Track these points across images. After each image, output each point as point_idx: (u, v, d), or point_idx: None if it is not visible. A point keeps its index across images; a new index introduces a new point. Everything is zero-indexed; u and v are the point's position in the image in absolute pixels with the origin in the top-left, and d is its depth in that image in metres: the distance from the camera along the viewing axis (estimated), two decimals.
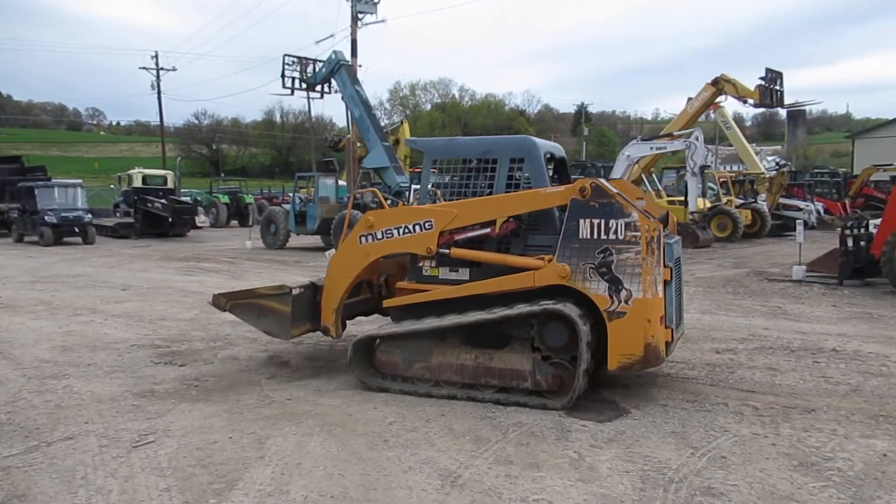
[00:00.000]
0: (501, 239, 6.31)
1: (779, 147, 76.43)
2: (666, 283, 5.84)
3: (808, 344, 8.33)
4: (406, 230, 6.39)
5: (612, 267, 5.67)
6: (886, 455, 4.87)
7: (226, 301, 7.04)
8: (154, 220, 26.64)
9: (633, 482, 4.44)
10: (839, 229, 14.47)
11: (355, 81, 22.98)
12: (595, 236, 5.74)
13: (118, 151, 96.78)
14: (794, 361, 7.52)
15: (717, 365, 7.37)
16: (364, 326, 7.81)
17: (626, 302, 5.63)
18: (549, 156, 6.79)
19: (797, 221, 16.20)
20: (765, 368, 7.23)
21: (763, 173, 29.10)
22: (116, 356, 7.78)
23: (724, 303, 11.43)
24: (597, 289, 5.72)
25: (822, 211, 29.91)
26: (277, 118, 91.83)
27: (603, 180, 5.94)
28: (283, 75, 23.36)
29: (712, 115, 31.12)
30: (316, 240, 23.28)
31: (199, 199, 36.46)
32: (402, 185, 21.29)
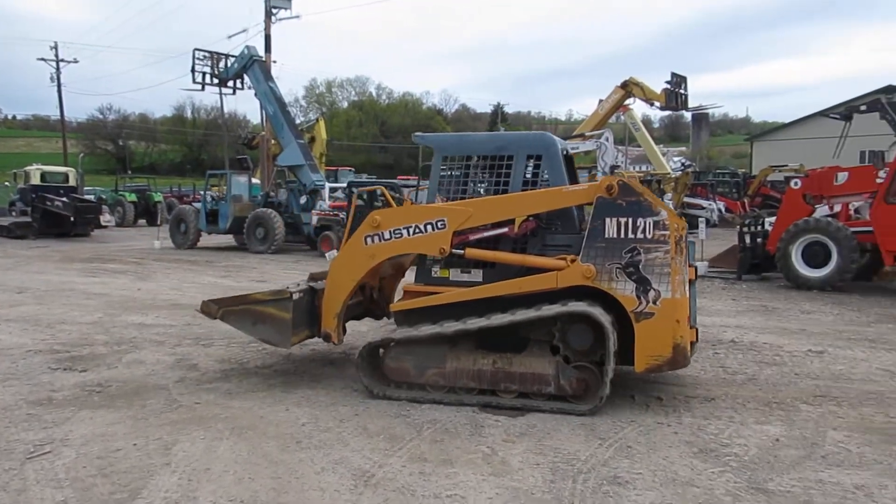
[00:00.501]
0: (517, 239, 6.13)
1: (684, 148, 79.68)
2: (690, 283, 5.86)
3: (709, 336, 8.72)
4: (417, 230, 6.08)
5: (640, 267, 5.53)
6: (779, 440, 5.16)
7: (217, 308, 6.54)
8: (54, 219, 25.32)
9: (544, 474, 4.54)
10: (738, 227, 15.24)
11: (269, 78, 22.55)
12: (622, 235, 5.59)
13: (14, 147, 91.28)
14: (696, 353, 7.86)
15: None
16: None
17: (655, 302, 5.49)
18: (564, 153, 6.57)
19: (700, 219, 16.97)
20: None
21: (669, 173, 30.29)
22: (10, 363, 7.34)
23: None
24: (623, 289, 5.56)
25: (723, 209, 31.45)
26: (188, 114, 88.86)
27: (629, 179, 5.82)
28: (193, 70, 22.73)
29: (622, 117, 32.15)
30: (228, 239, 22.72)
31: (103, 197, 34.94)
32: (318, 183, 21.05)
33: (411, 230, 6.11)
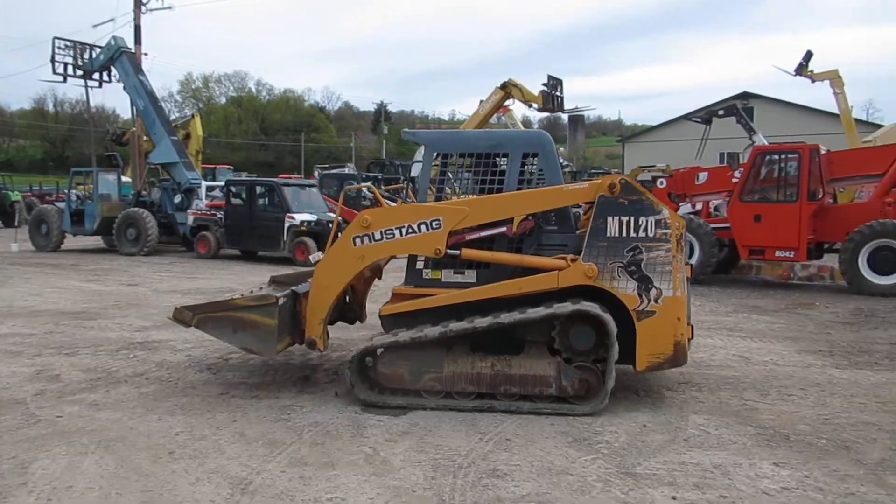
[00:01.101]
0: (512, 239, 6.03)
1: (562, 149, 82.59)
2: (688, 281, 5.92)
3: None
4: (410, 230, 5.87)
5: (642, 265, 5.55)
6: (646, 426, 5.45)
7: (192, 315, 6.11)
8: None
9: (425, 471, 4.58)
10: None
11: (139, 71, 21.45)
12: (624, 234, 5.59)
13: None
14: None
15: None
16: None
17: (656, 301, 5.53)
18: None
19: None
20: None
21: None
22: None
23: None
24: (625, 288, 5.57)
25: None
26: (50, 107, 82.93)
27: (631, 178, 5.80)
28: (53, 60, 21.23)
29: (503, 118, 32.92)
30: (96, 241, 21.42)
31: None
32: (193, 181, 20.26)
33: (404, 230, 5.89)
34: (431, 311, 5.95)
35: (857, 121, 27.50)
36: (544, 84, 24.80)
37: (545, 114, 31.31)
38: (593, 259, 5.64)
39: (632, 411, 5.80)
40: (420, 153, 24.34)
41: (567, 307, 5.58)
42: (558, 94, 25.36)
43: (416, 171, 23.91)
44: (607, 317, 5.53)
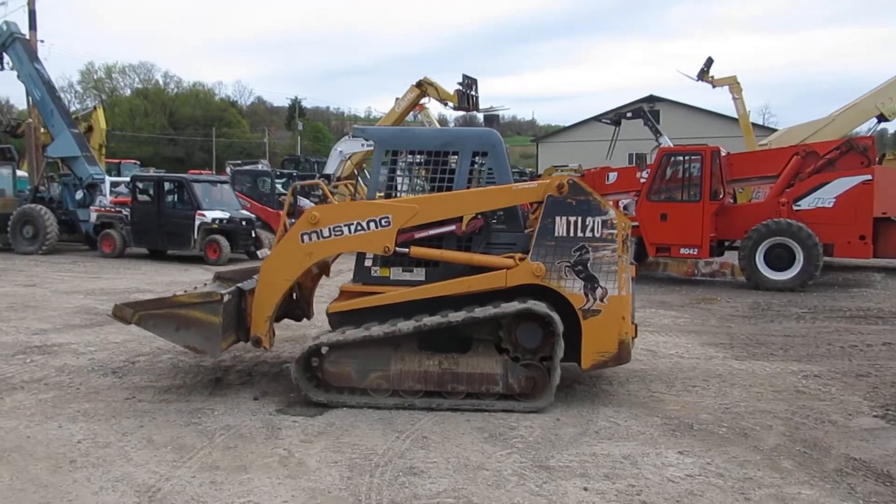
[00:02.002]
0: (461, 237, 6.00)
1: None
2: (633, 280, 5.98)
3: None
4: (359, 227, 5.83)
5: (589, 265, 5.62)
6: (559, 419, 5.59)
7: (132, 312, 5.87)
8: None
9: (342, 472, 4.55)
10: None
11: (34, 59, 20.30)
12: (571, 234, 5.65)
13: None
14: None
15: None
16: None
17: (602, 300, 5.60)
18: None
19: None
20: None
21: None
22: None
23: None
24: (572, 287, 5.63)
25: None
26: None
27: (579, 178, 5.87)
28: None
29: (419, 116, 32.95)
30: None
31: None
32: (96, 176, 19.35)
33: (353, 227, 5.86)
34: (380, 309, 5.94)
35: (755, 125, 29.05)
36: (459, 83, 24.95)
37: (461, 112, 31.49)
38: (541, 258, 5.71)
39: None
40: (335, 150, 24.16)
41: (514, 306, 5.63)
42: (473, 93, 25.56)
43: (330, 167, 23.64)
44: (554, 315, 5.61)
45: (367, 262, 6.20)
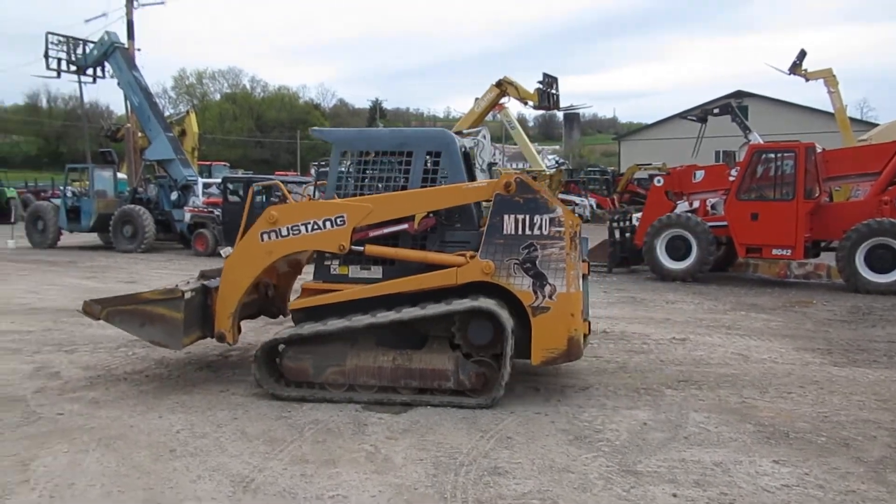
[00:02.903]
0: (416, 236, 6.14)
1: (558, 147, 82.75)
2: (584, 278, 6.02)
3: None
4: (315, 226, 6.02)
5: (537, 262, 5.67)
6: (647, 424, 5.46)
7: (101, 308, 6.20)
8: None
9: (427, 469, 4.59)
10: (608, 222, 16.01)
11: (133, 67, 21.38)
12: (520, 232, 5.71)
13: None
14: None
15: None
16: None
17: (551, 297, 5.64)
18: (463, 150, 6.58)
19: None
20: None
21: (544, 171, 31.34)
22: None
23: None
24: (521, 284, 5.69)
25: (594, 205, 32.92)
26: (44, 103, 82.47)
27: (525, 176, 5.92)
28: (46, 55, 21.14)
29: (498, 116, 32.91)
30: (92, 238, 21.36)
31: None
32: (190, 178, 20.21)
33: (310, 226, 6.03)
34: (339, 305, 6.05)
35: (852, 119, 27.58)
36: (540, 82, 24.80)
37: (541, 111, 31.27)
38: (490, 256, 5.75)
39: (632, 409, 5.81)
40: None
41: (464, 303, 5.69)
42: (554, 91, 25.36)
43: None
44: (503, 313, 5.64)
45: (328, 261, 6.31)
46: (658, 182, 15.15)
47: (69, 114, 77.01)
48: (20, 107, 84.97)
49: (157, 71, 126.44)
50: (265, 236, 6.15)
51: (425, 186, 6.24)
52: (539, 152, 36.28)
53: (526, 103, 25.26)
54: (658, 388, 6.40)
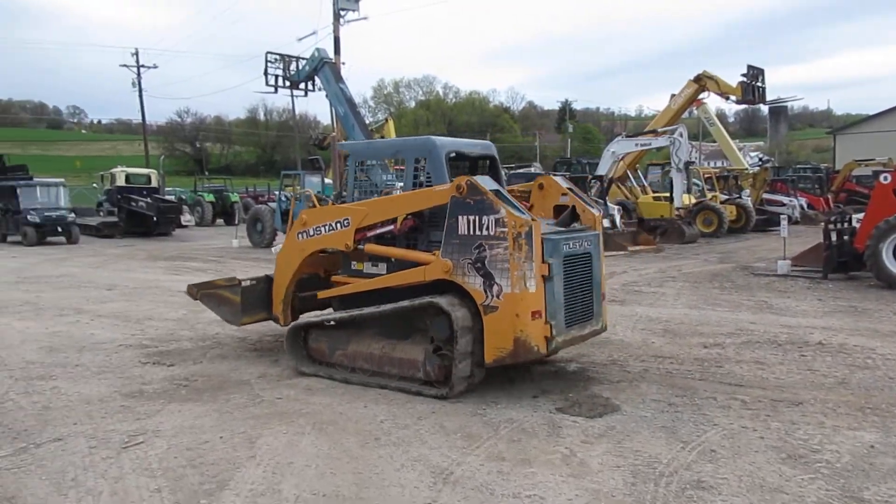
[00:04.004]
0: (409, 235, 6.56)
1: (761, 143, 77.06)
2: (546, 279, 5.89)
3: (795, 337, 8.41)
4: (331, 227, 6.81)
5: (486, 262, 5.82)
6: (874, 447, 4.92)
7: (196, 290, 7.72)
8: (138, 219, 26.45)
9: (625, 477, 4.47)
10: (823, 224, 14.62)
11: (339, 79, 22.89)
12: (471, 232, 5.89)
13: (100, 150, 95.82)
14: (780, 355, 7.59)
15: (705, 360, 7.42)
16: None
17: (498, 297, 5.76)
18: (453, 154, 6.93)
19: (781, 216, 16.35)
20: (752, 362, 7.30)
21: (747, 169, 29.35)
22: (104, 357, 7.72)
23: (710, 297, 11.52)
24: (474, 283, 5.89)
25: (805, 206, 30.22)
26: (261, 116, 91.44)
27: (478, 178, 6.06)
28: (266, 73, 23.22)
29: (695, 112, 31.32)
30: None
31: (183, 197, 36.22)
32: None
33: (327, 227, 6.84)
34: (354, 296, 6.79)
35: None
36: (744, 74, 23.26)
37: (743, 106, 29.28)
38: (448, 255, 5.99)
39: (856, 430, 5.27)
40: (607, 151, 23.89)
41: (422, 300, 6.07)
42: (759, 84, 23.67)
43: (602, 168, 23.43)
44: (453, 309, 5.85)
45: (351, 257, 6.97)
46: (885, 179, 13.56)
47: (282, 125, 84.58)
48: (241, 120, 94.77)
49: (358, 82, 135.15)
50: (300, 236, 7.06)
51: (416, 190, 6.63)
52: (740, 149, 33.99)
53: (728, 98, 23.81)
54: (888, 408, 5.74)
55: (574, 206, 6.87)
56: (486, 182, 5.97)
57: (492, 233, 5.79)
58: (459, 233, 5.94)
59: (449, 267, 5.99)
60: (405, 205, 6.46)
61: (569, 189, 7.11)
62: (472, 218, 5.88)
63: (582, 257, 6.32)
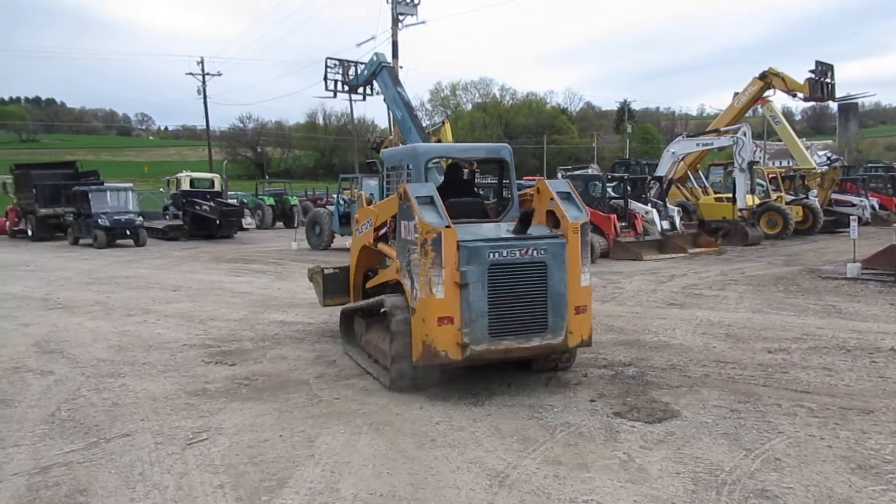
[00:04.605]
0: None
1: (830, 141, 74.48)
2: (462, 286, 5.81)
3: (865, 343, 8.09)
4: (364, 227, 7.58)
5: (409, 266, 6.15)
6: None
7: (310, 274, 9.26)
8: (202, 222, 27.17)
9: (685, 484, 4.38)
10: (895, 225, 14.02)
11: (397, 83, 23.07)
12: (405, 237, 6.23)
13: (166, 155, 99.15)
14: (850, 361, 7.31)
15: (769, 365, 7.20)
16: None
17: (415, 300, 6.04)
18: (439, 161, 7.29)
19: (851, 217, 15.75)
20: (819, 368, 7.05)
21: (814, 168, 28.35)
22: (169, 355, 7.97)
23: (775, 301, 11.17)
24: (407, 284, 6.22)
25: (876, 206, 29.02)
26: (320, 120, 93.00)
27: (413, 185, 6.24)
28: (325, 78, 23.58)
29: (759, 110, 30.46)
30: None
31: (245, 201, 37.06)
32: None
33: (364, 226, 7.58)
34: (381, 287, 7.31)
35: None
36: (811, 71, 22.54)
37: (810, 104, 28.37)
38: (398, 257, 6.43)
39: None
40: (667, 152, 23.45)
41: (377, 298, 6.83)
42: (828, 80, 22.90)
43: (662, 169, 23.02)
44: (393, 311, 6.29)
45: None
46: None
47: (340, 129, 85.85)
48: (301, 125, 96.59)
49: (415, 85, 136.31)
50: (356, 232, 7.89)
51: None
52: (807, 148, 32.90)
53: (795, 95, 23.12)
54: None
55: (529, 213, 6.49)
56: (418, 189, 6.17)
57: (412, 238, 6.04)
58: (402, 236, 6.29)
59: (398, 267, 6.43)
60: (384, 210, 7.06)
61: (556, 194, 6.58)
62: (405, 223, 6.22)
63: (522, 266, 6.00)
